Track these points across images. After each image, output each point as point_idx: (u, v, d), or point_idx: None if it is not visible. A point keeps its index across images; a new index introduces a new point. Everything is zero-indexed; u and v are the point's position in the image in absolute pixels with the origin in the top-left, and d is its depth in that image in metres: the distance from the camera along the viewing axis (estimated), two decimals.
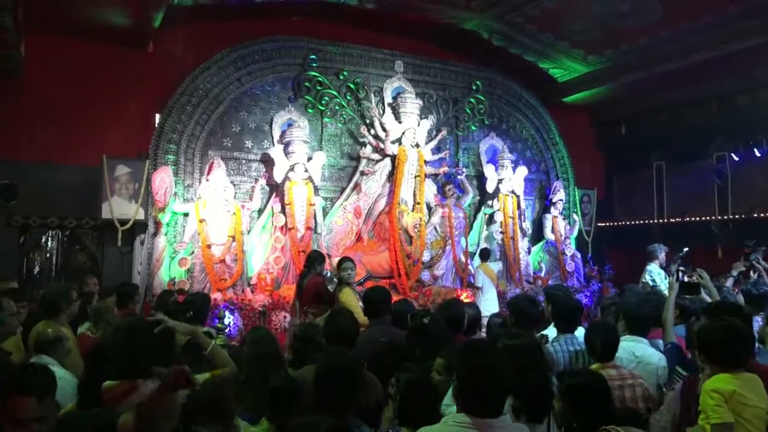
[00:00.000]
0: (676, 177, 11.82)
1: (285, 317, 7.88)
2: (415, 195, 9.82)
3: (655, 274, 7.77)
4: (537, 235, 11.77)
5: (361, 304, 5.17)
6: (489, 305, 8.80)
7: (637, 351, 3.63)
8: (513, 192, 10.88)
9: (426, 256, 9.76)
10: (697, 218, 11.22)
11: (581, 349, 3.73)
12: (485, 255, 9.44)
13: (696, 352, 2.98)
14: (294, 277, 8.48)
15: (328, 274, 6.46)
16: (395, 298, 7.00)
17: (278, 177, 8.97)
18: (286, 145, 9.08)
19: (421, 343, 3.44)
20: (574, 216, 11.99)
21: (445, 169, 10.43)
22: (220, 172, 8.60)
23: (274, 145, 9.26)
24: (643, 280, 7.77)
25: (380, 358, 3.65)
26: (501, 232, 10.60)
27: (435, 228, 10.27)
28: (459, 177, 10.55)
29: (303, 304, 6.05)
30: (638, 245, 12.20)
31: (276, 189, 9.13)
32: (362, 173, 9.83)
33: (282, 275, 8.71)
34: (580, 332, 4.00)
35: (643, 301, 4.41)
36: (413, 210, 9.76)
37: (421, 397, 2.76)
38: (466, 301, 8.13)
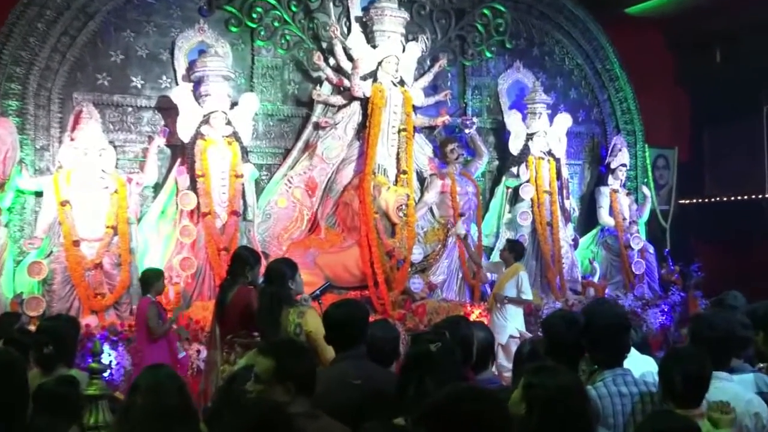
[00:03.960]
0: None
1: (199, 352, 7.86)
2: (399, 159, 9.82)
3: None
4: (587, 220, 11.86)
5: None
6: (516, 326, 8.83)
7: (715, 392, 3.69)
8: (550, 153, 10.95)
9: (417, 254, 9.80)
10: None
11: (642, 391, 3.79)
12: (520, 250, 9.27)
13: None
14: (212, 289, 8.45)
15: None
16: (370, 318, 6.97)
17: (185, 134, 8.90)
18: (197, 83, 9.01)
19: (422, 380, 3.46)
20: (645, 190, 12.12)
21: (446, 118, 10.43)
22: (93, 128, 8.49)
23: (177, 84, 9.18)
24: None
25: (354, 408, 3.68)
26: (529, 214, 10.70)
27: (431, 210, 10.30)
28: (467, 131, 10.57)
29: (226, 330, 6.00)
30: (742, 231, 12.41)
31: (182, 152, 9.07)
32: (317, 126, 9.79)
33: (193, 287, 8.69)
34: (635, 364, 4.07)
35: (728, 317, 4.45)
36: (396, 183, 9.76)
37: None
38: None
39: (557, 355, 3.95)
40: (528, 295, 8.81)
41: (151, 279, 7.43)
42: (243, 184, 9.07)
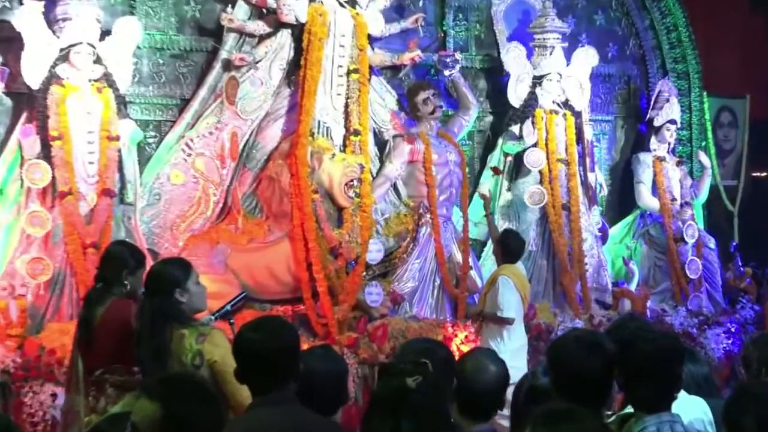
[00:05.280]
0: None
1: (54, 396, 7.81)
2: (348, 114, 9.84)
3: None
4: (621, 201, 12.01)
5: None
6: (514, 357, 8.88)
7: None
8: (567, 105, 11.02)
9: (375, 252, 9.80)
10: None
11: None
12: (514, 247, 9.36)
13: None
14: (74, 303, 8.41)
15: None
16: (306, 344, 6.87)
17: (33, 77, 8.79)
18: (52, 2, 8.88)
19: (396, 428, 3.49)
20: (703, 157, 12.21)
21: (417, 55, 10.42)
22: None
23: (21, 4, 9.03)
24: None
25: None
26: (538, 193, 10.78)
27: (395, 188, 10.34)
28: (447, 73, 10.58)
29: (94, 364, 5.98)
30: None
31: (29, 104, 8.99)
32: (228, 66, 9.73)
33: (47, 301, 8.60)
34: (681, 408, 4.12)
35: None
36: (345, 148, 9.79)
37: None
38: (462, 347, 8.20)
39: (570, 394, 3.96)
40: (507, 310, 8.74)
41: None
42: (120, 151, 8.99)
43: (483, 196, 10.17)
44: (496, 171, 10.82)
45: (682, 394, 4.49)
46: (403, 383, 3.73)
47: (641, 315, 9.89)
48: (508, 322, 8.83)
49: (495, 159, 11.06)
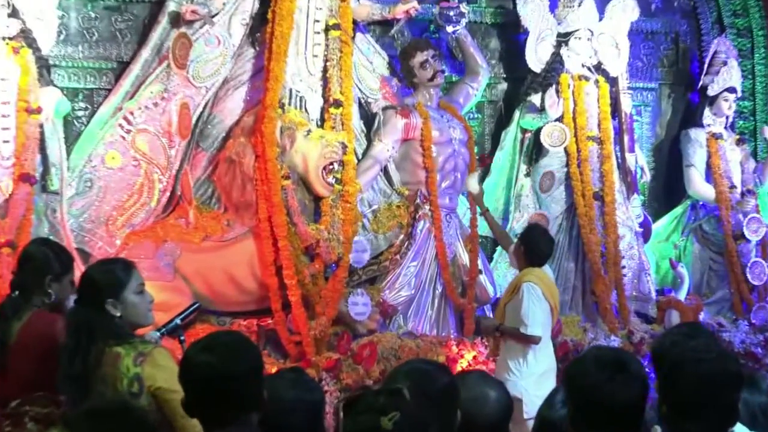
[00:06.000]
0: None
1: None
2: (328, 81, 9.86)
3: None
4: (667, 189, 12.06)
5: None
6: (540, 384, 8.89)
7: None
8: (600, 69, 11.08)
9: (360, 252, 9.83)
10: None
11: None
12: (543, 246, 9.32)
13: None
14: None
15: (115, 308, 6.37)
16: (274, 366, 6.87)
17: None
18: None
19: None
20: None
21: (412, 6, 10.40)
22: None
23: None
24: None
25: None
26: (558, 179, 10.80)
27: (385, 172, 10.39)
28: (451, 30, 10.62)
29: (9, 392, 5.95)
30: None
31: None
32: (178, 21, 9.70)
33: None
34: None
35: None
36: (323, 123, 9.82)
37: None
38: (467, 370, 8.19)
39: (591, 427, 3.95)
40: (533, 326, 8.62)
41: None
42: (42, 126, 9.00)
43: (470, 196, 10.16)
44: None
45: (740, 429, 4.51)
46: (376, 423, 3.67)
47: (704, 329, 9.84)
48: (534, 340, 8.72)
49: (510, 136, 11.07)
